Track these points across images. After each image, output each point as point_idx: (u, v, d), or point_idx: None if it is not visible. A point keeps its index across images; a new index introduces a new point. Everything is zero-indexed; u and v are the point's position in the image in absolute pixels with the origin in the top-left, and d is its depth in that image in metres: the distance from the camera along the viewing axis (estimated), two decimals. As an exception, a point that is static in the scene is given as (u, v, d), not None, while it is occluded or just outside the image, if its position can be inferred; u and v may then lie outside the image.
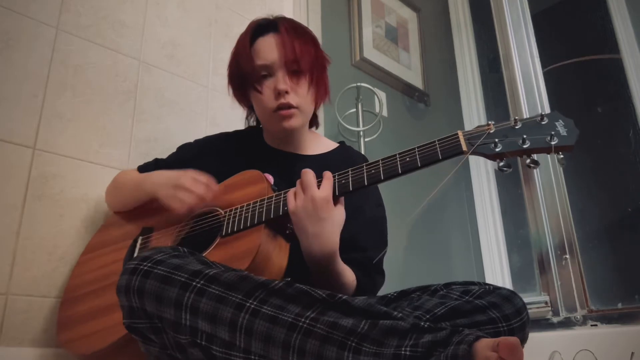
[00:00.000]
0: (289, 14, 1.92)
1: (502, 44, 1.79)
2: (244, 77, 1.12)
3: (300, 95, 1.10)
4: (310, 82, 1.11)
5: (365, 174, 0.90)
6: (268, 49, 1.10)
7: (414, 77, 2.37)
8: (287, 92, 1.08)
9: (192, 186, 1.02)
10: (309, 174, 0.91)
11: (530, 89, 1.68)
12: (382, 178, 0.88)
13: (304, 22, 1.93)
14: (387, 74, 2.22)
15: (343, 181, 0.91)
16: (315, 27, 1.97)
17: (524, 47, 1.73)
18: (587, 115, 1.83)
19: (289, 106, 1.08)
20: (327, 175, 0.92)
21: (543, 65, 1.70)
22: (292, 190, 0.93)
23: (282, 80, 1.08)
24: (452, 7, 2.58)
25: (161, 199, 1.05)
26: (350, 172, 0.92)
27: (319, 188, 0.90)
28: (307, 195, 0.89)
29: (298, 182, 0.93)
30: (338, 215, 0.91)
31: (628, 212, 1.67)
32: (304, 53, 1.10)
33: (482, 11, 2.10)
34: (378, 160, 0.90)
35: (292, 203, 0.91)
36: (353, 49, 2.14)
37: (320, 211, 0.88)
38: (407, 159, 0.86)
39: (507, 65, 1.75)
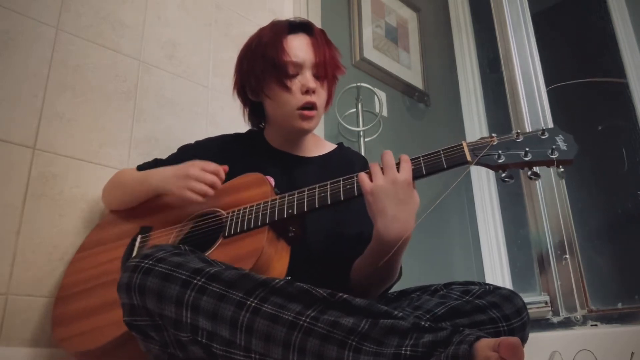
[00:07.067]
0: (289, 14, 1.92)
1: (502, 44, 1.79)
2: (271, 70, 1.10)
3: (321, 98, 1.13)
4: (327, 89, 1.15)
5: None
6: (301, 47, 1.11)
7: (414, 77, 2.37)
8: (314, 92, 1.10)
9: (202, 175, 1.02)
10: (389, 155, 0.91)
11: (530, 89, 1.68)
12: None
13: (304, 22, 1.93)
14: (387, 74, 2.22)
15: (348, 186, 0.92)
16: (315, 27, 1.97)
17: (524, 47, 1.73)
18: (586, 115, 1.83)
19: (313, 106, 1.10)
20: (405, 158, 0.91)
21: (543, 69, 1.70)
22: (363, 173, 0.91)
23: (311, 79, 1.10)
24: (452, 7, 2.58)
25: (173, 191, 1.05)
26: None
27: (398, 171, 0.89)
28: (388, 177, 0.88)
29: (373, 164, 0.92)
30: (417, 199, 0.90)
31: (628, 212, 1.67)
32: (331, 60, 1.13)
33: (482, 11, 2.10)
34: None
35: (368, 184, 0.89)
36: (353, 49, 2.14)
37: (402, 193, 0.88)
38: (413, 167, 0.89)
39: (507, 65, 1.75)
